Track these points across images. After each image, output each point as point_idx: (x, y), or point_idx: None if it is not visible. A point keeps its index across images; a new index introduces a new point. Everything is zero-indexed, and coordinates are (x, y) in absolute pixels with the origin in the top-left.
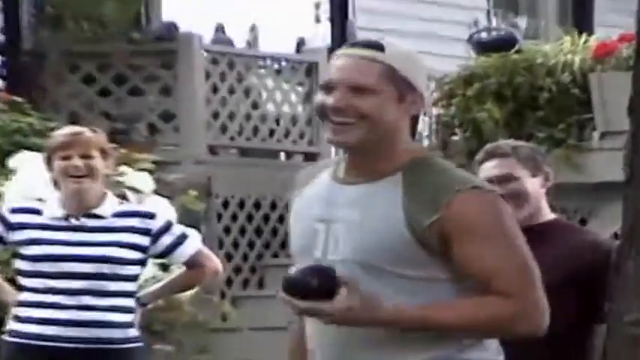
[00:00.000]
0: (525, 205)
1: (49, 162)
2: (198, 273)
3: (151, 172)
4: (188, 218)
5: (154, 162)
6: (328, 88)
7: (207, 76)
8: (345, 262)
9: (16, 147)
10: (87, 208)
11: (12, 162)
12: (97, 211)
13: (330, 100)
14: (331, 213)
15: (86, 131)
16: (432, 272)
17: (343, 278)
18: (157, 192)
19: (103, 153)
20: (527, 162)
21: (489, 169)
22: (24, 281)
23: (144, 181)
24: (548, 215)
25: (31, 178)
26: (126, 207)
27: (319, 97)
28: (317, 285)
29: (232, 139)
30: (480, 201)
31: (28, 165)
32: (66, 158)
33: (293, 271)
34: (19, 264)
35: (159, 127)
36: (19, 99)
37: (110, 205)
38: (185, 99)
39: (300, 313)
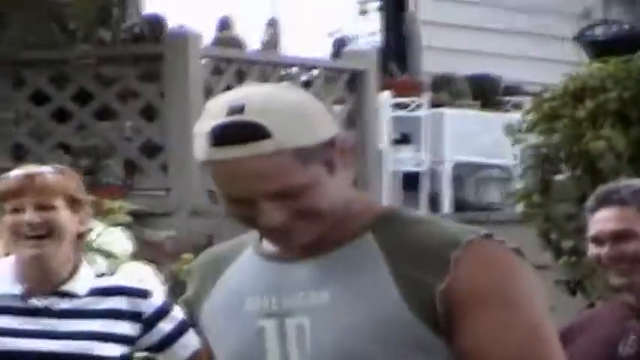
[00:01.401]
0: None
1: None
2: None
3: (129, 227)
4: (180, 293)
5: (132, 213)
6: (242, 201)
7: (208, 91)
8: None
9: None
10: (52, 283)
11: None
12: (66, 288)
13: (265, 219)
14: (280, 303)
15: (47, 171)
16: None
17: None
18: (137, 256)
19: (72, 202)
20: None
21: (602, 221)
22: None
23: (118, 240)
24: None
25: None
26: (107, 281)
27: (240, 213)
28: None
29: None
30: (501, 257)
31: None
32: (17, 211)
33: None
34: None
35: (140, 165)
36: None
37: (85, 278)
38: (176, 125)
39: None
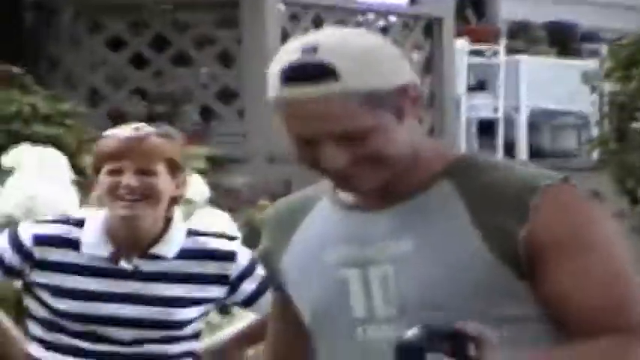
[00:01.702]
0: None
1: (96, 173)
2: None
3: (204, 173)
4: (256, 239)
5: (209, 159)
6: (309, 142)
7: (285, 37)
8: (409, 313)
9: (15, 138)
10: (142, 245)
11: (6, 160)
12: (155, 251)
13: (327, 162)
14: (363, 252)
15: (151, 134)
16: (525, 307)
17: (472, 332)
18: (213, 202)
19: (173, 167)
20: None
21: None
22: (38, 331)
23: (195, 186)
24: None
25: (38, 184)
26: (197, 243)
27: (302, 153)
28: (451, 350)
29: None
30: (580, 203)
31: (31, 165)
32: (115, 172)
33: (405, 339)
34: (35, 307)
35: (216, 111)
36: (18, 70)
37: (175, 240)
38: (253, 71)
39: None
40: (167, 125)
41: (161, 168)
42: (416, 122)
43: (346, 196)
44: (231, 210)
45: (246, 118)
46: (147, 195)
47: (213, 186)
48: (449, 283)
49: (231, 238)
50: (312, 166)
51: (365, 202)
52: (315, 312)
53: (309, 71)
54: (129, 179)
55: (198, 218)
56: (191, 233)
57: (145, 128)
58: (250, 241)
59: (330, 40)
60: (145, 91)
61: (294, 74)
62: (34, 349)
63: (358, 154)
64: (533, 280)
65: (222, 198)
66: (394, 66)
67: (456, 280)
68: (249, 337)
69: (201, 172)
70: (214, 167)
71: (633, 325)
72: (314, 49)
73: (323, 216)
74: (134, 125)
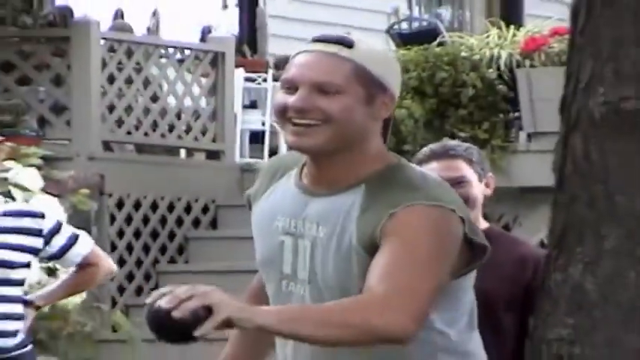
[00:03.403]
0: (472, 212)
1: None
2: (93, 273)
3: (39, 168)
4: (78, 219)
5: (42, 157)
6: (290, 87)
7: (104, 65)
8: (313, 283)
9: None
10: None
11: None
12: None
13: (291, 99)
14: (298, 226)
15: None
16: None
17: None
18: (45, 190)
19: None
20: (477, 165)
21: (437, 170)
22: None
23: (31, 178)
24: (483, 224)
25: None
26: (13, 206)
27: (279, 97)
28: (186, 315)
29: (129, 133)
30: (423, 212)
31: None
32: None
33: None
34: None
35: (49, 120)
36: None
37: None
38: (78, 90)
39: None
40: (11, 130)
41: None
42: (377, 124)
43: (304, 180)
44: (59, 197)
45: (72, 126)
46: None
47: (46, 178)
48: (337, 270)
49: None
50: (279, 112)
51: (312, 186)
52: (261, 261)
53: (333, 37)
54: None
55: (35, 202)
56: (8, 202)
57: None
58: (74, 220)
59: (364, 39)
60: None
61: (322, 36)
62: None
63: (318, 104)
64: None
65: (51, 187)
66: (392, 75)
67: (341, 269)
68: (71, 286)
69: (37, 167)
70: (47, 164)
71: (383, 295)
72: (348, 33)
73: (284, 188)
74: None
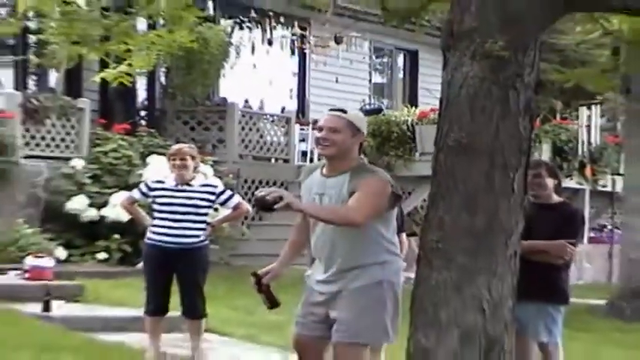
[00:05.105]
0: (545, 191)
1: (168, 160)
2: (240, 211)
3: (212, 166)
4: (228, 187)
5: (214, 161)
6: (319, 129)
7: (239, 122)
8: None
9: (150, 154)
10: (186, 181)
11: (149, 159)
12: (190, 183)
13: (320, 134)
14: (322, 191)
15: (185, 146)
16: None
17: (276, 197)
18: (214, 175)
19: (192, 158)
20: (549, 170)
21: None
22: (155, 214)
23: (208, 170)
24: (555, 198)
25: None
26: (203, 181)
27: (316, 134)
28: (271, 199)
29: (250, 150)
30: (373, 181)
31: (157, 162)
32: (174, 159)
33: (259, 196)
34: (154, 206)
35: (217, 145)
36: (152, 130)
37: (196, 180)
38: (229, 132)
39: (274, 203)
40: (202, 149)
41: (189, 157)
42: (356, 146)
43: (325, 171)
44: (220, 178)
45: (227, 148)
46: (185, 166)
47: (214, 170)
48: (338, 202)
49: None
50: (316, 140)
51: (327, 173)
52: (306, 202)
53: (337, 108)
54: (178, 162)
55: (211, 180)
56: (202, 180)
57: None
58: (226, 188)
59: (351, 110)
60: (195, 139)
61: (333, 108)
62: (154, 221)
63: (331, 137)
64: None
65: (217, 174)
66: (363, 126)
67: (339, 202)
68: (229, 217)
69: (211, 165)
70: (215, 164)
71: (351, 207)
72: (343, 110)
73: (315, 176)
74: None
